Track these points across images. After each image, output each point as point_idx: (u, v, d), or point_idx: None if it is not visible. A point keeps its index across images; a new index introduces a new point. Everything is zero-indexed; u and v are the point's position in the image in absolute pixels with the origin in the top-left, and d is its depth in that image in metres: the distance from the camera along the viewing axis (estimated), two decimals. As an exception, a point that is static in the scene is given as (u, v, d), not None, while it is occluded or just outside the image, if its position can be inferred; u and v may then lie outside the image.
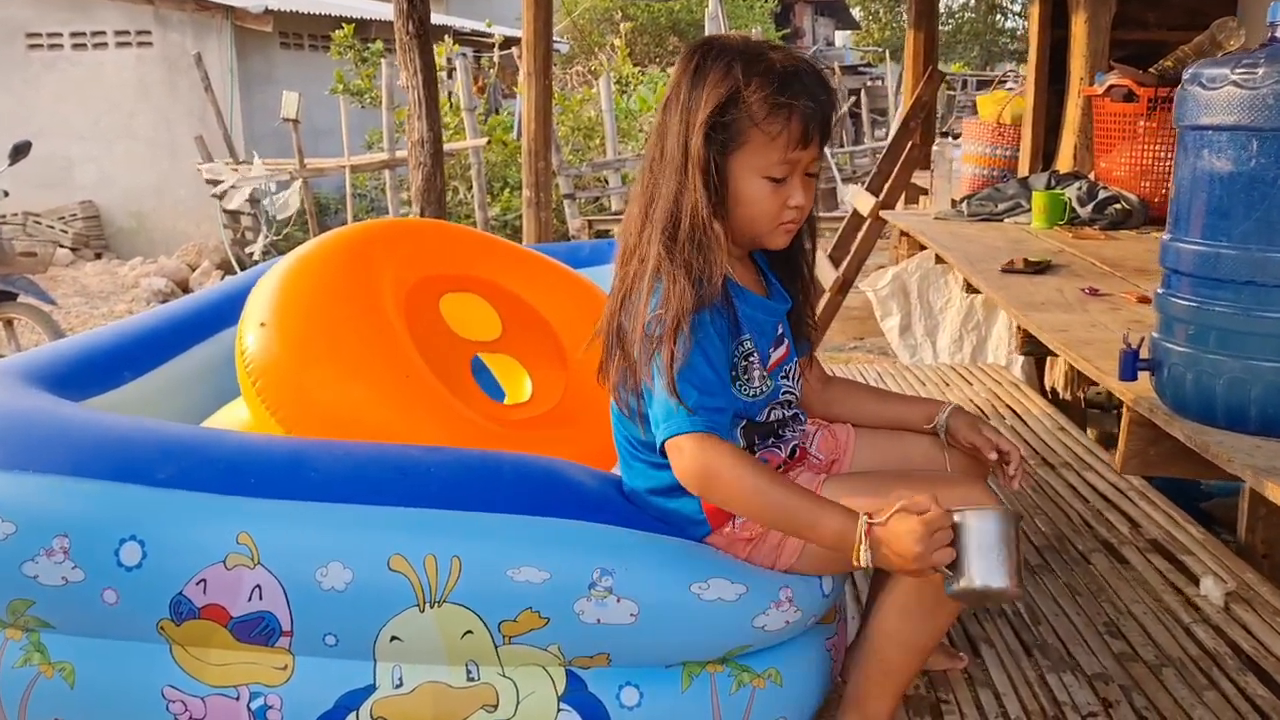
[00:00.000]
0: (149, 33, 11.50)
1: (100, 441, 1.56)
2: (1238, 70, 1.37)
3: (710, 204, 1.41)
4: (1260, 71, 1.35)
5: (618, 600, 1.46)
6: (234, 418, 2.01)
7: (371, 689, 1.49)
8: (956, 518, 1.32)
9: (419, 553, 1.45)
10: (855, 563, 1.36)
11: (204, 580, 1.44)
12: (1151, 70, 3.38)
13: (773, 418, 1.58)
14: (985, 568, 1.30)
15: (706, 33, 12.86)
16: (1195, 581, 2.11)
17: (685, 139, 1.42)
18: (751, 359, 1.51)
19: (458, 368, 2.07)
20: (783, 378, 1.58)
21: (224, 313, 2.27)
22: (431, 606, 1.45)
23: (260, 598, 1.45)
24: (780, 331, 1.60)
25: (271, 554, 1.44)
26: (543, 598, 1.45)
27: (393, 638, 1.47)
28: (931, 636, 1.57)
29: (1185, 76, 1.47)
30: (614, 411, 1.58)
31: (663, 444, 1.42)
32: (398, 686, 1.50)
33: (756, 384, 1.52)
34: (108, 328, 2.20)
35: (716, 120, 1.40)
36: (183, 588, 1.45)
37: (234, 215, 10.64)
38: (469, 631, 1.46)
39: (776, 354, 1.58)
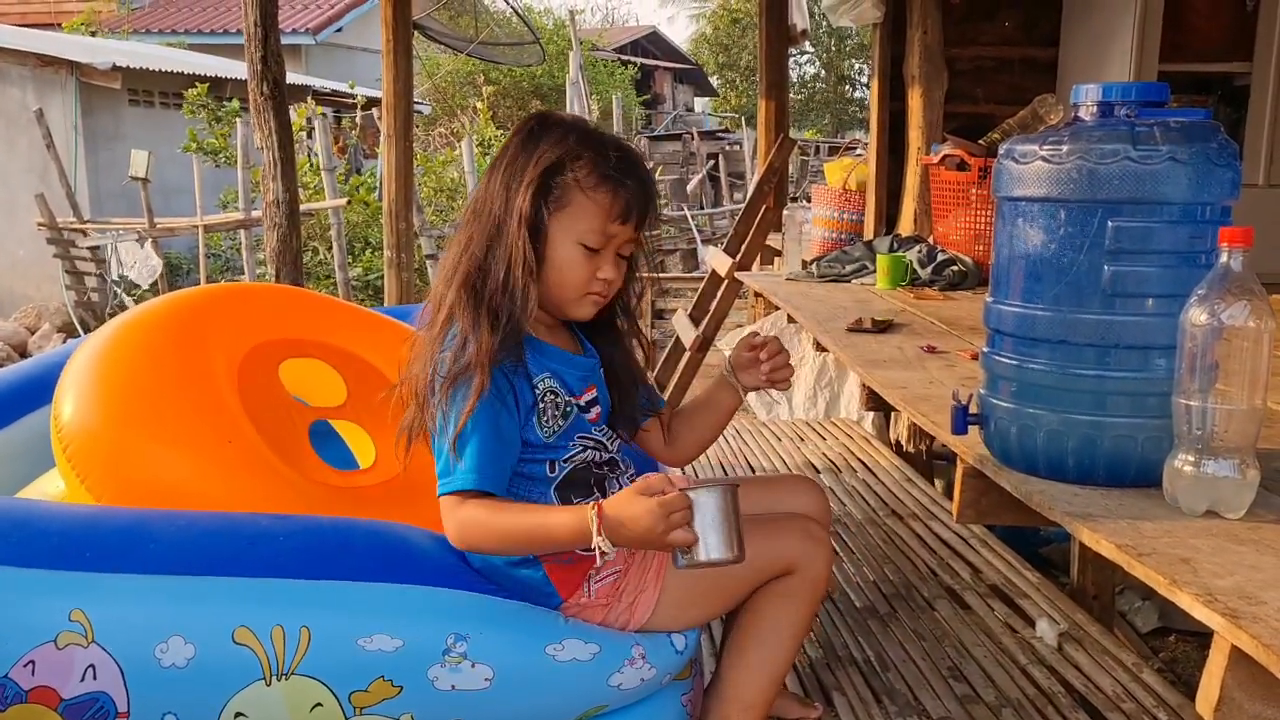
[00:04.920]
0: (-14, 87, 11.01)
1: (-83, 517, 1.48)
2: (1045, 147, 1.48)
3: (529, 261, 1.46)
4: (1064, 148, 1.46)
5: (472, 665, 1.45)
6: (47, 489, 1.92)
7: (215, 769, 1.44)
8: (690, 497, 1.36)
9: (265, 624, 1.41)
10: (597, 552, 1.37)
11: (32, 661, 1.38)
12: (981, 141, 3.60)
13: (586, 458, 1.59)
14: (712, 543, 1.37)
15: (568, 97, 13.08)
16: (1032, 624, 2.22)
17: (509, 195, 1.48)
18: (549, 397, 1.54)
19: (295, 435, 2.02)
20: (597, 430, 1.62)
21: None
22: (279, 679, 1.41)
23: (94, 678, 1.39)
24: (594, 395, 1.62)
25: (107, 631, 1.39)
26: (395, 666, 1.44)
27: (238, 714, 1.42)
28: (809, 614, 1.64)
29: (1000, 151, 1.57)
30: None
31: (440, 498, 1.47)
32: (243, 764, 1.45)
33: (554, 420, 1.54)
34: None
35: (546, 180, 1.47)
36: (8, 670, 1.38)
37: (79, 276, 10.19)
38: (318, 704, 1.43)
39: (590, 414, 1.61)
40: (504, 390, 1.47)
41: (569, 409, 1.56)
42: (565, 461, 1.57)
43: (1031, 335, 1.53)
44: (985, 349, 1.65)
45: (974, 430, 1.68)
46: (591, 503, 1.39)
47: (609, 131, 1.59)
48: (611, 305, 1.62)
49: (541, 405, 1.52)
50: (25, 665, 1.37)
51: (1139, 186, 1.42)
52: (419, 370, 1.51)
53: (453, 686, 1.45)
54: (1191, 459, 1.37)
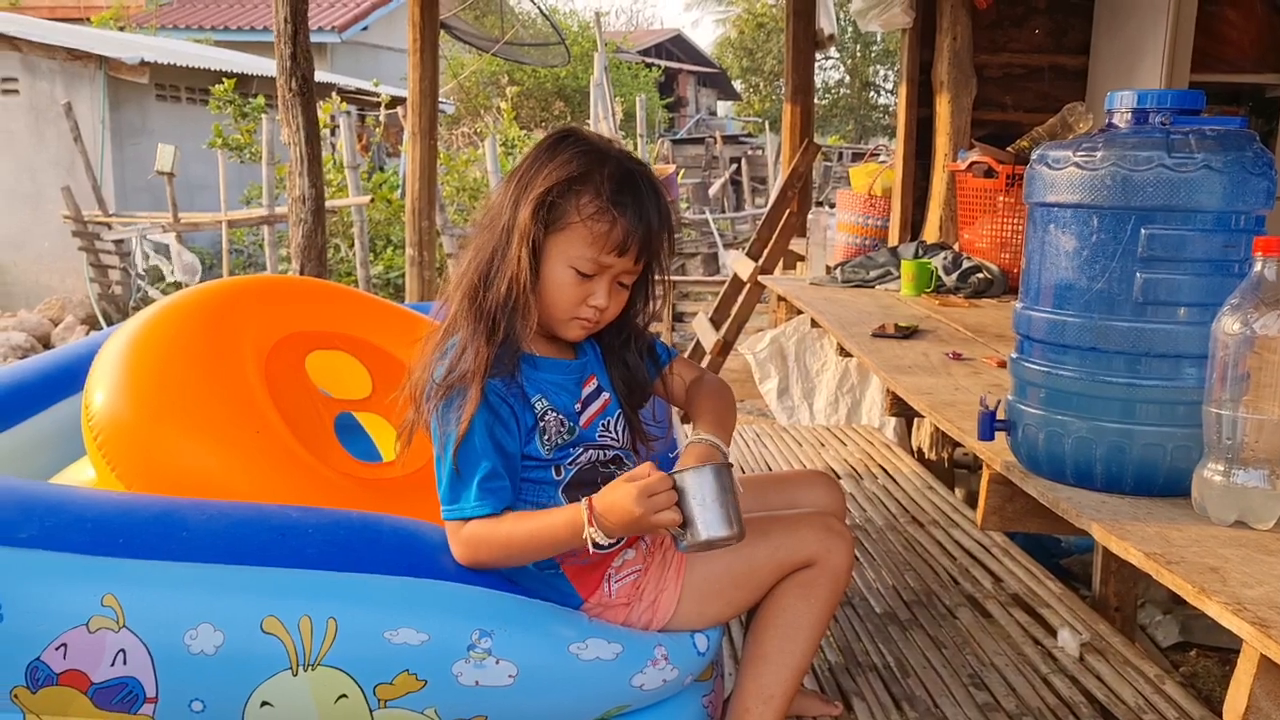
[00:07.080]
0: (15, 80, 11.12)
1: (-45, 500, 1.49)
2: (1079, 153, 1.48)
3: (527, 277, 1.47)
4: (1099, 154, 1.46)
5: (497, 662, 1.46)
6: (78, 477, 1.94)
7: (240, 757, 1.45)
8: (675, 480, 1.39)
9: (294, 614, 1.42)
10: (588, 544, 1.41)
11: (64, 645, 1.39)
12: (1009, 149, 3.59)
13: (591, 458, 1.59)
14: (708, 521, 1.38)
15: (592, 99, 13.10)
16: (1053, 633, 2.21)
17: (516, 208, 1.48)
18: (550, 415, 1.54)
19: (321, 427, 2.04)
20: (602, 429, 1.61)
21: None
22: (305, 669, 1.42)
23: (124, 662, 1.40)
24: (594, 387, 1.62)
25: (138, 616, 1.40)
26: (420, 660, 1.44)
27: (263, 703, 1.43)
28: (830, 607, 1.62)
29: (1033, 157, 1.57)
30: None
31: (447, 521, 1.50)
32: (268, 753, 1.46)
33: (557, 435, 1.55)
34: (-37, 383, 2.11)
35: (549, 199, 1.46)
36: (41, 653, 1.39)
37: (103, 269, 10.28)
38: (343, 695, 1.44)
39: (592, 408, 1.61)
40: (498, 406, 1.48)
41: (572, 425, 1.57)
42: (570, 465, 1.58)
43: (1061, 342, 1.52)
44: (1014, 355, 1.65)
45: (1000, 438, 1.68)
46: (584, 500, 1.42)
47: (633, 157, 1.56)
48: (608, 328, 1.61)
49: (543, 425, 1.53)
50: (57, 648, 1.39)
51: (1173, 194, 1.42)
52: (419, 375, 1.53)
53: (477, 682, 1.46)
54: (1221, 468, 1.37)
